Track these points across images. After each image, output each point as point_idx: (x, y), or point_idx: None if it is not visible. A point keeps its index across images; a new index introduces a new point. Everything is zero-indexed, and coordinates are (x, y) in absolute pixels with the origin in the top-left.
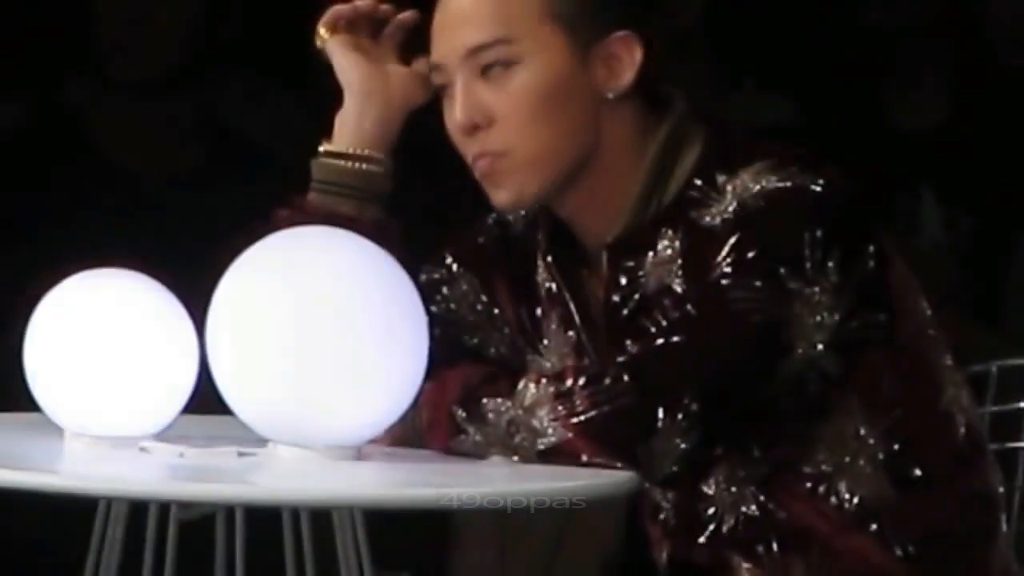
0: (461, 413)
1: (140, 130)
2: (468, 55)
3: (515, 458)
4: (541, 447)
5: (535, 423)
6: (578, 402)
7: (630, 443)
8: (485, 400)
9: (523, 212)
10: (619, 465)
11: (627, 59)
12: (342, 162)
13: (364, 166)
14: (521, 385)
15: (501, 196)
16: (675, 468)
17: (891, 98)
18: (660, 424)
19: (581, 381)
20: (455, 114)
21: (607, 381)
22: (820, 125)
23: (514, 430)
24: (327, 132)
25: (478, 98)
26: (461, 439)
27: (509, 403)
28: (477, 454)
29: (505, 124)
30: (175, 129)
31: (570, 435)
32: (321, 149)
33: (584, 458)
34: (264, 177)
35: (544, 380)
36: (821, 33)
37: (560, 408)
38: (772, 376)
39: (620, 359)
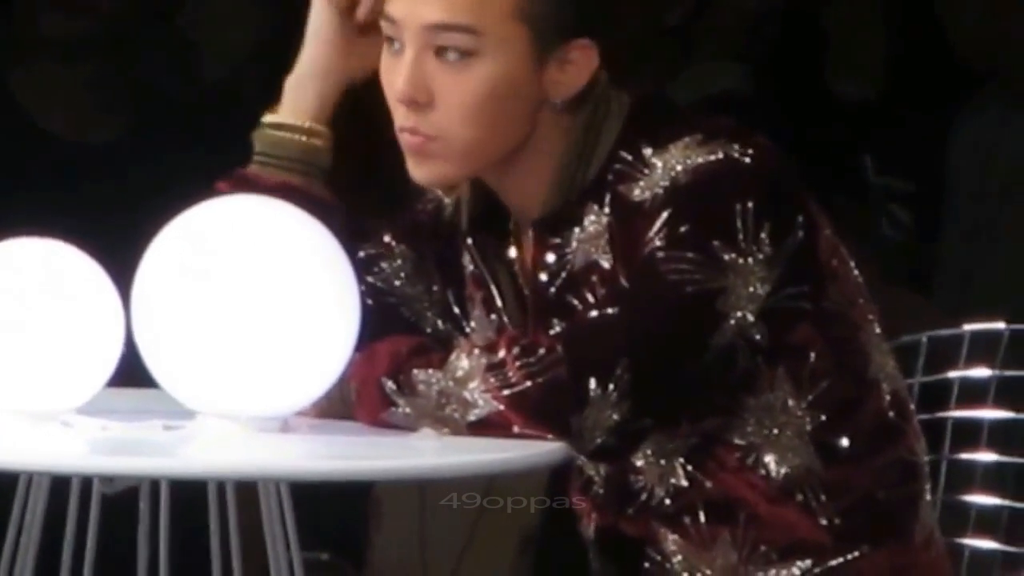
0: (391, 385)
1: (64, 92)
2: (428, 29)
3: (445, 430)
4: (472, 419)
5: (466, 395)
6: (510, 374)
7: (562, 415)
8: (416, 371)
9: (448, 198)
10: (550, 436)
11: (583, 67)
12: (291, 135)
13: (312, 140)
14: (453, 357)
15: (421, 173)
16: (605, 439)
17: (834, 67)
18: (592, 395)
19: (514, 352)
20: (397, 81)
21: (540, 352)
22: (768, 94)
23: (445, 402)
24: (257, 97)
25: (426, 75)
26: (391, 411)
27: (440, 375)
28: (407, 426)
29: (447, 112)
30: (101, 92)
31: (502, 407)
32: (267, 120)
33: (516, 430)
34: (193, 143)
35: (476, 351)
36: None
37: (492, 379)
38: (704, 347)
39: (552, 332)
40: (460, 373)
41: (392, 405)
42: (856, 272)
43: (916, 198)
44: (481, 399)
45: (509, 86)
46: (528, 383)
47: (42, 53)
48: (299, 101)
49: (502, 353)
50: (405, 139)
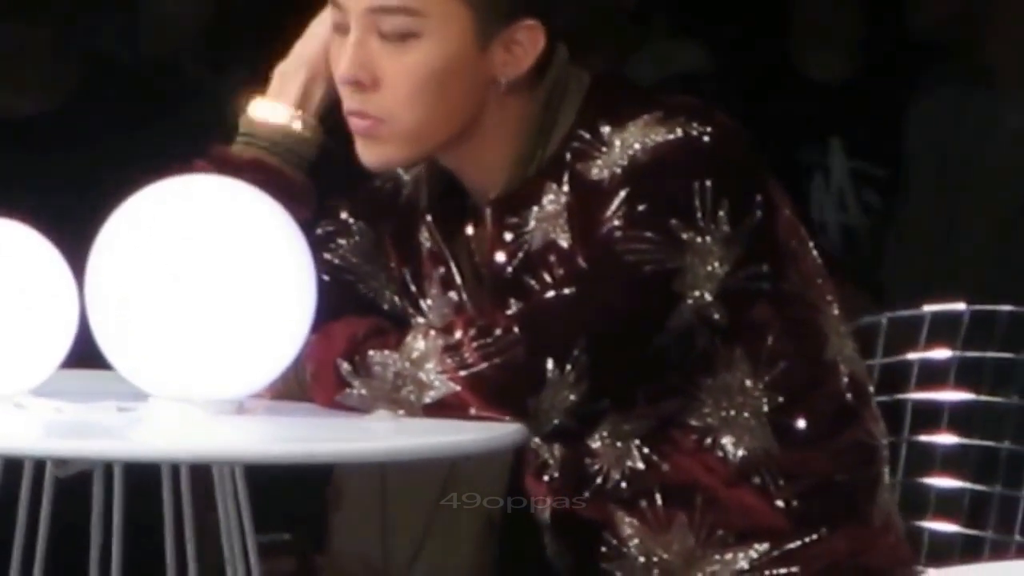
0: (346, 366)
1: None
2: (371, 11)
3: (401, 412)
4: (428, 400)
5: (422, 376)
6: (467, 355)
7: (519, 396)
8: (372, 353)
9: (405, 173)
10: (507, 418)
11: (529, 47)
12: (265, 117)
13: (292, 124)
14: (409, 338)
15: (369, 156)
16: (562, 420)
17: (801, 47)
18: (549, 377)
19: (471, 333)
20: (342, 63)
21: (497, 333)
22: (731, 73)
23: (401, 383)
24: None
25: (370, 57)
26: (346, 393)
27: (396, 356)
28: (362, 408)
29: (391, 93)
30: (43, 54)
31: (458, 388)
32: (257, 104)
33: (472, 411)
34: (145, 110)
35: (432, 332)
36: None
37: (448, 361)
38: (661, 327)
39: (509, 312)
40: (416, 354)
41: (348, 387)
42: (815, 254)
43: (885, 180)
44: (438, 380)
45: (451, 66)
46: (485, 364)
47: None
48: (283, 87)
49: (459, 334)
50: (353, 122)
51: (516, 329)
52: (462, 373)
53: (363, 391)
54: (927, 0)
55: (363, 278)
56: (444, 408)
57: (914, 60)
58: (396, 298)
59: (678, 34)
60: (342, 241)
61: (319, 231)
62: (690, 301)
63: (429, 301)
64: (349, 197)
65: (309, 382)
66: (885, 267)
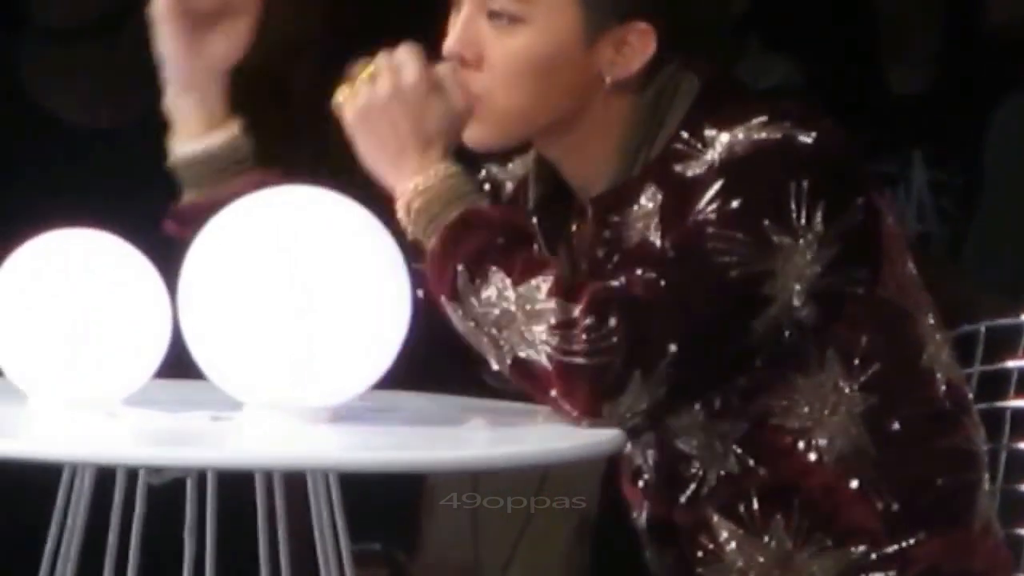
0: (464, 276)
1: (76, 78)
2: None
3: (490, 355)
4: (521, 355)
5: (525, 331)
6: (575, 340)
7: (599, 400)
8: (493, 270)
9: (513, 173)
10: (575, 413)
11: (639, 50)
12: (202, 147)
13: (227, 139)
14: (536, 280)
15: (468, 134)
16: (638, 421)
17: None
18: (631, 385)
19: (587, 321)
20: (450, 38)
21: (607, 331)
22: (820, 87)
23: (503, 324)
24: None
25: (476, 35)
26: (453, 307)
27: (513, 293)
28: (461, 327)
29: (491, 73)
30: (112, 76)
31: (550, 367)
32: (179, 148)
33: (552, 393)
34: None
35: (556, 292)
36: None
37: (557, 336)
38: (747, 331)
39: (612, 317)
40: (530, 306)
41: (454, 297)
42: (911, 262)
43: (964, 190)
44: (539, 346)
45: (554, 57)
46: (585, 360)
47: (49, 40)
48: (185, 117)
49: (576, 312)
50: None
51: (620, 333)
52: (563, 358)
53: (460, 312)
54: (1004, 6)
55: None
56: (527, 375)
57: (993, 69)
58: None
59: (769, 48)
60: None
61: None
62: (777, 303)
63: None
64: None
65: (427, 252)
66: (971, 277)
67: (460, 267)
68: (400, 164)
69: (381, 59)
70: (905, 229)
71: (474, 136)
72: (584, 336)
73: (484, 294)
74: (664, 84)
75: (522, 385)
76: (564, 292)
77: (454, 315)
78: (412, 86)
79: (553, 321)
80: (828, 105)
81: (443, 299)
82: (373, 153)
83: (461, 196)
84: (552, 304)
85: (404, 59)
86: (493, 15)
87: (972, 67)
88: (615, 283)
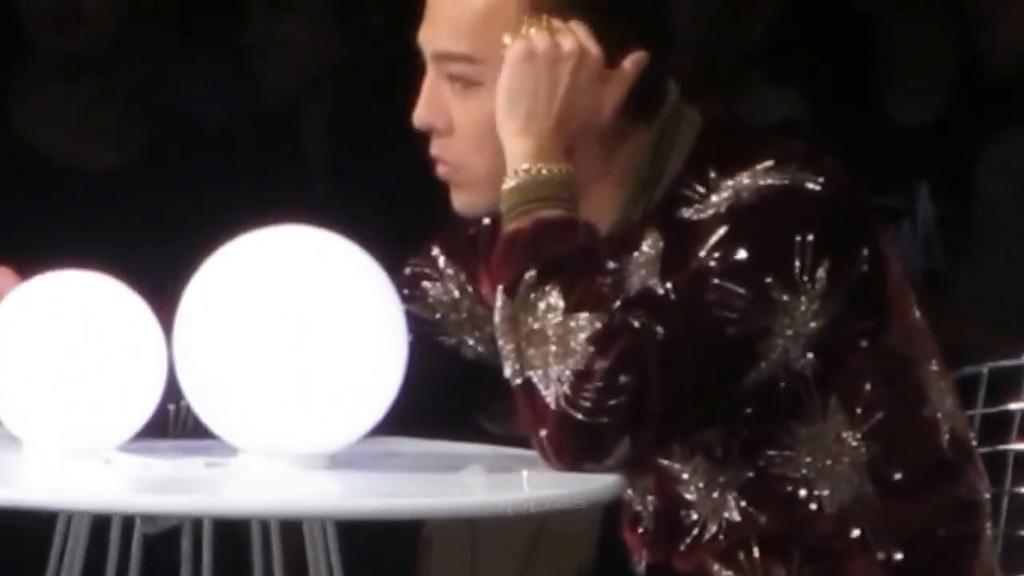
0: (534, 278)
1: (70, 112)
2: (436, 56)
3: (509, 360)
4: (533, 379)
5: (550, 362)
6: (584, 394)
7: (584, 459)
8: (555, 286)
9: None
10: (554, 460)
11: (609, 88)
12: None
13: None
14: (583, 318)
15: (455, 201)
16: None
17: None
18: (618, 450)
19: (601, 383)
20: (418, 108)
21: (617, 395)
22: (823, 120)
23: (537, 342)
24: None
25: (441, 102)
26: (504, 300)
27: (559, 317)
28: (498, 319)
29: (461, 138)
30: (112, 110)
31: (552, 407)
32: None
33: (542, 433)
34: (214, 160)
35: (591, 329)
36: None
37: (569, 383)
38: (739, 385)
39: (623, 377)
40: (566, 343)
41: (511, 293)
42: (916, 307)
43: (965, 224)
44: (553, 384)
45: None
46: (584, 418)
47: (44, 71)
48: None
49: (599, 365)
50: (437, 169)
51: (626, 391)
52: (566, 408)
53: (507, 308)
54: (1008, 41)
55: (447, 329)
56: (528, 401)
57: (1000, 103)
58: (479, 346)
59: (773, 82)
60: (427, 285)
61: (408, 270)
62: (774, 356)
63: None
64: (442, 235)
65: (504, 226)
66: (975, 316)
67: (534, 270)
68: (530, 126)
69: (562, 24)
70: (909, 265)
71: (462, 203)
72: (593, 395)
73: (536, 303)
74: (664, 129)
75: (518, 403)
76: (601, 341)
77: (499, 307)
78: (592, 62)
79: (574, 367)
80: (833, 139)
81: (498, 287)
82: (514, 96)
83: (565, 200)
84: (583, 350)
85: (589, 41)
86: (452, 78)
87: (978, 101)
88: (647, 344)
